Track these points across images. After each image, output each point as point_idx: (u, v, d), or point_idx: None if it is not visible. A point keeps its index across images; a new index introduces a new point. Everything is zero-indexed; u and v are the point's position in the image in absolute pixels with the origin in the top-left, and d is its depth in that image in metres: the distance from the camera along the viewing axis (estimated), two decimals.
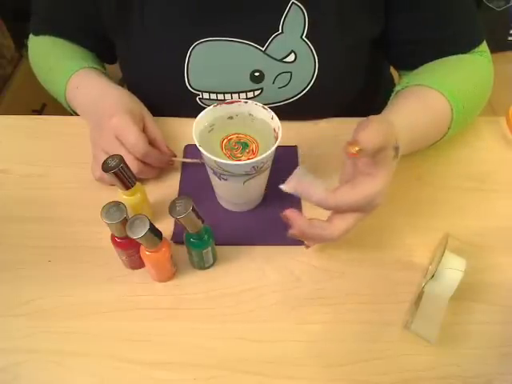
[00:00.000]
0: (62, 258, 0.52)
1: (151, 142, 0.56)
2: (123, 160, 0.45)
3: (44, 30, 0.68)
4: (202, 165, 0.52)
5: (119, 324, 0.47)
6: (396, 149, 0.43)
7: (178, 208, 0.41)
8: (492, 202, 0.56)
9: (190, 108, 0.58)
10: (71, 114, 0.66)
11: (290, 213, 0.44)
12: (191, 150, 0.61)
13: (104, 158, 0.45)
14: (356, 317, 0.47)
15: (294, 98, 0.61)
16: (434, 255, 0.50)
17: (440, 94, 0.54)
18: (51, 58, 0.66)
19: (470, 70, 0.60)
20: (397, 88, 0.59)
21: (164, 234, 0.45)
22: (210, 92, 0.62)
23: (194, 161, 0.58)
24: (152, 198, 0.54)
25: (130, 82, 0.69)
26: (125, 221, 0.43)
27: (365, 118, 0.40)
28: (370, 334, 0.46)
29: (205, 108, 0.49)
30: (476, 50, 0.61)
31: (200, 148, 0.46)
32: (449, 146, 0.61)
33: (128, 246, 0.47)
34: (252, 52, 0.58)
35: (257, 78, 0.60)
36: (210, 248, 0.48)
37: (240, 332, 0.46)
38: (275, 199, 0.56)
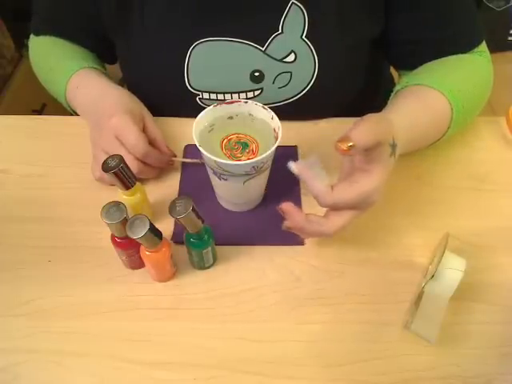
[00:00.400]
0: (62, 258, 0.52)
1: (151, 142, 0.56)
2: (123, 160, 0.45)
3: (45, 30, 0.68)
4: (202, 165, 0.52)
5: (119, 324, 0.47)
6: (393, 146, 0.43)
7: (178, 208, 0.41)
8: (492, 201, 0.56)
9: (190, 108, 0.58)
10: (71, 114, 0.66)
11: (286, 206, 0.44)
12: (191, 150, 0.61)
13: (104, 158, 0.45)
14: (356, 317, 0.47)
15: (294, 98, 0.61)
16: (434, 255, 0.50)
17: (440, 93, 0.54)
18: (51, 57, 0.67)
19: (469, 70, 0.60)
20: (396, 88, 0.59)
21: (164, 234, 0.45)
22: (210, 92, 0.62)
23: (194, 161, 0.58)
24: (152, 198, 0.54)
25: (130, 82, 0.69)
26: (125, 221, 0.43)
27: (361, 117, 0.41)
28: (370, 334, 0.46)
29: (205, 108, 0.49)
30: (475, 50, 0.61)
31: (200, 148, 0.46)
32: (449, 145, 0.61)
33: (128, 246, 0.47)
34: (252, 52, 0.58)
35: (257, 77, 0.60)
36: (210, 248, 0.48)
37: (240, 332, 0.46)
38: (275, 199, 0.56)
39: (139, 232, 0.41)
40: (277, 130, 0.48)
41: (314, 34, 0.57)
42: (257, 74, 0.59)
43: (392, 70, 0.77)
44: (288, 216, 0.44)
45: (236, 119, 0.51)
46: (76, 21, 0.66)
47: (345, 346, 0.46)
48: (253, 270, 0.51)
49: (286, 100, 0.62)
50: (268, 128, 0.50)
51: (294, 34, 0.57)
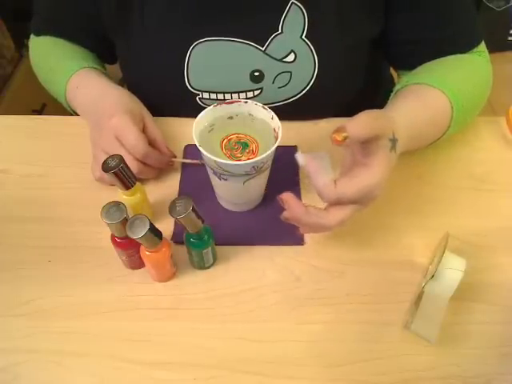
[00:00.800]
0: (62, 258, 0.52)
1: (151, 143, 0.56)
2: (123, 160, 0.45)
3: (45, 31, 0.68)
4: (202, 165, 0.52)
5: (119, 324, 0.47)
6: (393, 141, 0.42)
7: (178, 208, 0.41)
8: (492, 201, 0.56)
9: (190, 108, 0.58)
10: (71, 114, 0.66)
11: (287, 196, 0.44)
12: (191, 150, 0.61)
13: (104, 158, 0.45)
14: (356, 317, 0.47)
15: (294, 98, 0.61)
16: (434, 255, 0.50)
17: (440, 92, 0.54)
18: (52, 58, 0.67)
19: (469, 70, 0.60)
20: (396, 87, 0.59)
21: (164, 234, 0.45)
22: (209, 92, 0.62)
23: (194, 162, 0.58)
24: (152, 198, 0.54)
25: (130, 82, 0.69)
26: (125, 221, 0.43)
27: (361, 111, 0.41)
28: (371, 334, 0.46)
29: (205, 108, 0.49)
30: (475, 50, 0.61)
31: (200, 148, 0.46)
32: (449, 145, 0.61)
33: (128, 246, 0.47)
34: (252, 52, 0.58)
35: (257, 77, 0.60)
36: (210, 248, 0.48)
37: (240, 332, 0.46)
38: (275, 199, 0.56)
39: (139, 232, 0.41)
40: (277, 130, 0.48)
41: (313, 34, 0.57)
42: (257, 73, 0.59)
43: (392, 70, 0.77)
44: (287, 206, 0.44)
45: (236, 119, 0.51)
46: (76, 21, 0.66)
47: (345, 345, 0.46)
48: (253, 269, 0.51)
49: (286, 100, 0.62)
50: (268, 128, 0.50)
51: (294, 34, 0.57)
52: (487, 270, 0.50)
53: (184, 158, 0.60)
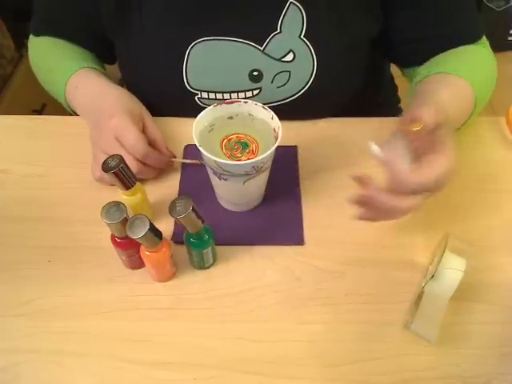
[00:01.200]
0: (62, 258, 0.52)
1: (151, 143, 0.56)
2: (123, 160, 0.45)
3: (44, 31, 0.68)
4: (202, 166, 0.52)
5: (119, 324, 0.47)
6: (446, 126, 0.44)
7: (178, 208, 0.41)
8: (492, 201, 0.56)
9: (189, 108, 0.58)
10: (71, 114, 0.66)
11: (361, 175, 0.43)
12: (191, 150, 0.61)
13: (104, 158, 0.45)
14: (356, 317, 0.47)
15: (293, 98, 0.61)
16: (434, 255, 0.50)
17: (461, 78, 0.55)
18: (51, 58, 0.66)
19: (477, 59, 0.61)
20: (415, 79, 0.59)
21: (164, 234, 0.45)
22: (208, 91, 0.62)
23: (194, 161, 0.58)
24: (152, 198, 0.54)
25: (129, 82, 0.69)
26: (125, 221, 0.43)
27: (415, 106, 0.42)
28: (371, 334, 0.46)
29: (204, 108, 0.49)
30: (478, 42, 0.62)
31: (200, 148, 0.46)
32: None
33: (128, 246, 0.47)
34: (250, 51, 0.58)
35: (255, 77, 0.60)
36: (210, 248, 0.48)
37: (240, 332, 0.46)
38: (275, 199, 0.56)
39: (139, 232, 0.41)
40: (277, 130, 0.48)
41: (312, 34, 0.57)
42: (255, 73, 0.59)
43: (392, 70, 0.77)
44: (363, 184, 0.43)
45: (236, 119, 0.51)
46: (75, 21, 0.66)
47: (345, 345, 0.46)
48: (253, 270, 0.51)
49: (285, 99, 0.62)
50: (268, 128, 0.50)
51: (293, 34, 0.57)
52: (487, 270, 0.50)
53: (184, 158, 0.60)
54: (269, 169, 0.51)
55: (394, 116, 0.68)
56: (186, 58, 0.59)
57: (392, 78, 0.82)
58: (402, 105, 0.82)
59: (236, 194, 0.53)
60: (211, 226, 0.47)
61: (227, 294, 0.49)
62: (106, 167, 0.45)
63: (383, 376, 0.44)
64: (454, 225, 0.53)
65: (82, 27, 0.66)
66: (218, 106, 0.50)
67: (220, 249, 0.51)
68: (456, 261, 0.45)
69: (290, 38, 0.58)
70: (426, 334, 0.45)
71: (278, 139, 0.47)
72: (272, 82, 0.60)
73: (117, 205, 0.44)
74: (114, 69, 0.72)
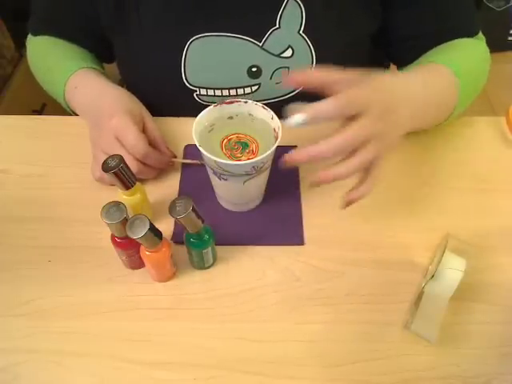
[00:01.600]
0: (62, 258, 0.52)
1: (151, 143, 0.56)
2: (123, 160, 0.45)
3: (43, 31, 0.68)
4: (202, 166, 0.52)
5: (119, 324, 0.47)
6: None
7: (178, 208, 0.41)
8: (492, 201, 0.56)
9: (189, 106, 0.58)
10: (71, 114, 0.66)
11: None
12: (191, 150, 0.61)
13: (104, 158, 0.45)
14: (356, 317, 0.47)
15: (292, 94, 0.61)
16: (434, 255, 0.50)
17: (445, 66, 0.55)
18: (50, 58, 0.66)
19: (471, 51, 0.61)
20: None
21: (164, 234, 0.45)
22: (207, 88, 0.61)
23: (194, 162, 0.58)
24: (152, 198, 0.54)
25: (129, 82, 0.69)
26: (125, 221, 0.43)
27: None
28: (371, 334, 0.46)
29: (203, 105, 0.49)
30: (475, 37, 0.62)
31: (200, 148, 0.46)
32: (449, 145, 0.61)
33: (128, 246, 0.47)
34: (249, 47, 0.58)
35: (254, 73, 0.60)
36: (209, 248, 0.48)
37: (240, 332, 0.46)
38: (275, 199, 0.56)
39: (139, 232, 0.41)
40: (277, 130, 0.48)
41: (311, 30, 0.57)
42: (254, 69, 0.59)
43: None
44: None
45: (236, 119, 0.51)
46: (74, 21, 0.66)
47: (345, 345, 0.46)
48: (253, 270, 0.51)
49: (284, 96, 0.62)
50: (268, 128, 0.50)
51: (291, 29, 0.57)
52: (487, 270, 0.50)
53: (184, 158, 0.60)
54: (269, 169, 0.51)
55: None
56: (185, 55, 0.59)
57: None
58: None
59: (236, 194, 0.53)
60: (211, 226, 0.47)
61: (227, 294, 0.49)
62: (106, 167, 0.45)
63: (383, 376, 0.44)
64: (454, 225, 0.53)
65: (80, 27, 0.66)
66: (218, 106, 0.50)
67: (220, 249, 0.51)
68: (456, 261, 0.45)
69: (288, 33, 0.58)
70: (426, 334, 0.45)
71: (278, 139, 0.47)
72: (271, 78, 0.60)
73: (117, 205, 0.44)
74: (114, 69, 0.72)
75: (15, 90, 1.37)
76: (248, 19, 0.57)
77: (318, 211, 0.55)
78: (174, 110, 0.64)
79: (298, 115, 0.40)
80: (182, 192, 0.57)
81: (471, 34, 0.62)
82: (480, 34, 0.63)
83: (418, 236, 0.53)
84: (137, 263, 0.49)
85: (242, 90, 0.61)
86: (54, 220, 0.55)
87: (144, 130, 0.57)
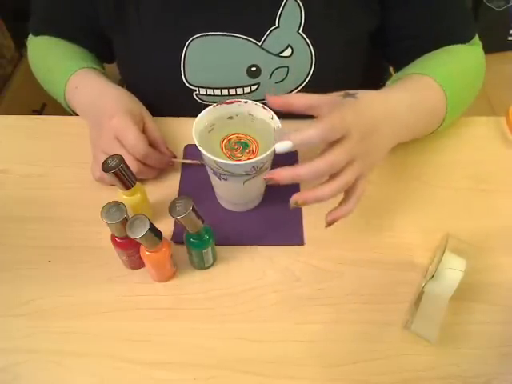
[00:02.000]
0: (62, 258, 0.52)
1: (151, 143, 0.56)
2: (123, 160, 0.45)
3: (43, 31, 0.68)
4: (202, 166, 0.52)
5: (119, 324, 0.47)
6: (346, 95, 0.44)
7: (178, 208, 0.41)
8: (492, 202, 0.56)
9: (188, 105, 0.58)
10: (71, 114, 0.66)
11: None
12: (191, 150, 0.61)
13: (104, 158, 0.45)
14: (356, 317, 0.47)
15: (292, 94, 0.61)
16: (434, 255, 0.50)
17: (432, 79, 0.54)
18: (50, 58, 0.66)
19: (460, 59, 0.60)
20: (387, 84, 0.59)
21: (164, 234, 0.45)
22: (206, 87, 0.61)
23: (194, 162, 0.58)
24: (152, 198, 0.54)
25: (129, 82, 0.69)
26: (125, 221, 0.43)
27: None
28: (371, 334, 0.46)
29: (202, 105, 0.49)
30: (471, 42, 0.62)
31: (200, 148, 0.46)
32: (449, 145, 0.61)
33: (128, 246, 0.47)
34: (248, 47, 0.58)
35: (253, 72, 0.60)
36: (210, 248, 0.48)
37: (240, 332, 0.46)
38: (275, 199, 0.56)
39: (139, 232, 0.41)
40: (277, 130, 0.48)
41: (310, 29, 0.57)
42: (253, 68, 0.59)
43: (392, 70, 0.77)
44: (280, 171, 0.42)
45: (236, 119, 0.51)
46: (74, 21, 0.66)
47: (345, 345, 0.46)
48: (253, 270, 0.51)
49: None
50: (268, 128, 0.50)
51: (291, 29, 0.57)
52: (487, 270, 0.50)
53: (184, 158, 0.60)
54: (269, 169, 0.51)
55: None
56: (184, 54, 0.59)
57: (391, 76, 0.82)
58: None
59: (236, 194, 0.53)
60: (211, 226, 0.47)
61: (227, 294, 0.49)
62: (106, 167, 0.45)
63: (383, 376, 0.44)
64: (454, 225, 0.53)
65: (81, 27, 0.66)
66: (218, 106, 0.50)
67: (220, 249, 0.51)
68: (456, 261, 0.45)
69: (288, 32, 0.58)
70: (426, 334, 0.45)
71: None
72: (270, 77, 0.60)
73: (117, 205, 0.44)
74: (114, 69, 0.72)
75: (15, 90, 1.37)
76: (247, 18, 0.57)
77: (317, 211, 0.55)
78: (174, 109, 0.64)
79: (286, 142, 0.41)
80: (182, 192, 0.57)
81: (467, 38, 0.61)
82: (476, 39, 0.63)
83: (418, 236, 0.53)
84: (137, 263, 0.49)
85: (241, 89, 0.61)
86: (54, 220, 0.55)
87: (144, 130, 0.57)
